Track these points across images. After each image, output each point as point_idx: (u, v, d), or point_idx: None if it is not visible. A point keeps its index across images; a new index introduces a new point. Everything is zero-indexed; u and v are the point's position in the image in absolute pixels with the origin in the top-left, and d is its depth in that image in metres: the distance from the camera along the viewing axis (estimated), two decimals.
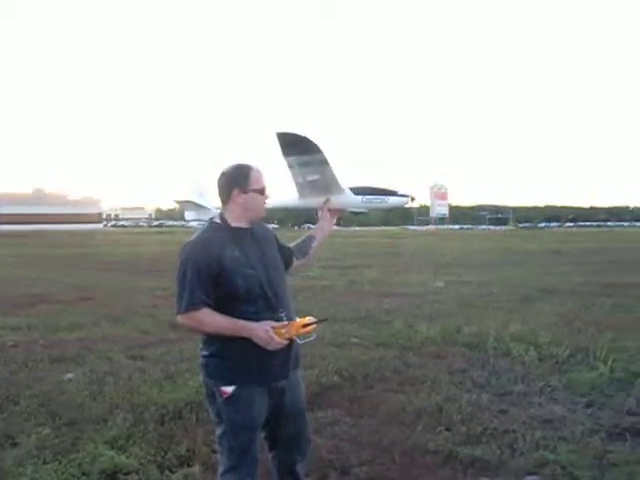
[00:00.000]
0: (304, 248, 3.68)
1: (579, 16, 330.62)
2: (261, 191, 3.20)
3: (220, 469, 3.19)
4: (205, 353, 3.15)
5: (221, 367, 3.09)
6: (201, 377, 3.23)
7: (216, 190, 3.24)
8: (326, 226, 3.88)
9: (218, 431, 3.16)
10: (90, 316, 10.66)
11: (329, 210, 3.91)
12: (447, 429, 4.98)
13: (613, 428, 4.95)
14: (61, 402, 5.69)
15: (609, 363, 6.58)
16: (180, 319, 3.08)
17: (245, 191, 3.16)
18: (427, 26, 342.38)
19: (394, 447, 4.66)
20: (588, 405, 5.56)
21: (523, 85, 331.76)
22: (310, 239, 3.74)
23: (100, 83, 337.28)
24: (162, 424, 5.09)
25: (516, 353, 7.31)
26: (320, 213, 3.91)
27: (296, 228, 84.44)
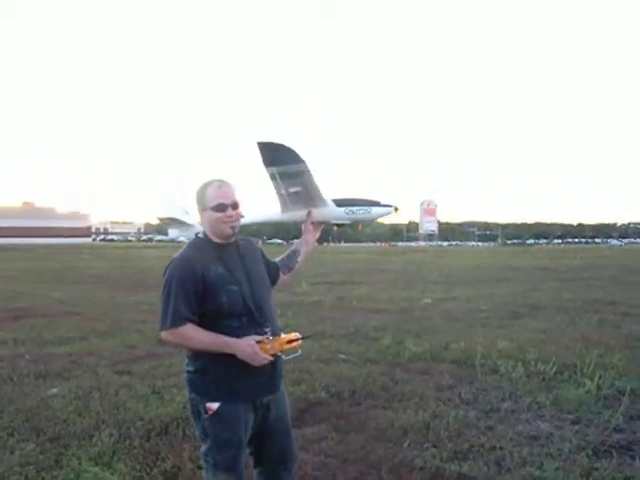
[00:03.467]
0: (290, 263, 3.66)
1: (569, 36, 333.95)
2: (218, 208, 3.11)
3: None
4: (190, 369, 3.12)
5: (206, 383, 3.07)
6: (187, 393, 3.20)
7: None
8: (310, 239, 3.87)
9: (203, 447, 3.13)
10: (77, 331, 10.61)
11: (312, 223, 3.91)
12: (434, 446, 4.97)
13: (600, 445, 4.95)
14: (46, 417, 5.63)
15: (596, 380, 6.60)
16: (164, 335, 3.05)
17: (204, 209, 3.15)
18: (415, 40, 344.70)
19: (381, 464, 4.63)
20: (575, 422, 5.57)
21: (513, 103, 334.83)
22: (295, 253, 3.73)
23: (89, 97, 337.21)
24: (148, 440, 5.06)
25: (504, 370, 7.31)
26: (303, 226, 3.90)
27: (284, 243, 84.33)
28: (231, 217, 3.13)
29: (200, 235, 3.22)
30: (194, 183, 3.26)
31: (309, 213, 4.04)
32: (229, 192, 3.17)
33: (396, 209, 6.34)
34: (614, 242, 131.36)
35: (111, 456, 4.68)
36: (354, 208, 6.27)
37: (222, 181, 3.19)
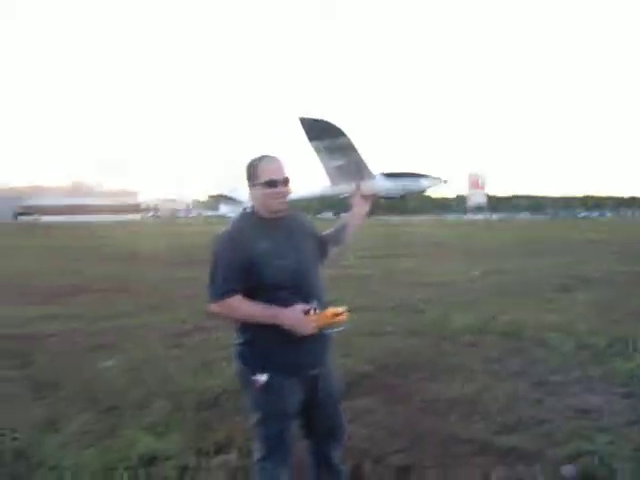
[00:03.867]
0: (338, 237, 3.60)
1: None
2: (270, 183, 3.11)
3: (256, 456, 3.21)
4: (239, 341, 3.16)
5: (254, 355, 3.11)
6: (236, 365, 3.24)
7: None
8: (359, 213, 3.76)
9: (253, 419, 3.18)
10: (129, 305, 10.85)
11: (361, 196, 3.87)
12: (482, 419, 4.95)
13: None
14: (101, 389, 5.81)
15: None
16: (213, 307, 3.09)
17: (254, 185, 3.16)
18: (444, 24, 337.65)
19: (429, 436, 4.64)
20: (626, 395, 5.49)
21: (557, 77, 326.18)
22: (344, 227, 3.66)
23: (136, 78, 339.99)
24: (199, 411, 5.16)
25: (552, 343, 7.24)
26: (352, 200, 3.86)
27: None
28: (281, 193, 3.14)
29: (248, 210, 3.24)
30: (242, 161, 3.27)
31: (357, 186, 4.01)
32: (280, 168, 3.17)
33: (445, 181, 6.28)
34: None
35: (164, 427, 4.80)
36: (403, 181, 6.22)
37: (272, 157, 3.19)
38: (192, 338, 8.00)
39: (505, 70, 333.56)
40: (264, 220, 3.16)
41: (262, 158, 3.19)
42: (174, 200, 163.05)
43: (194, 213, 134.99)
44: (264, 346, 3.08)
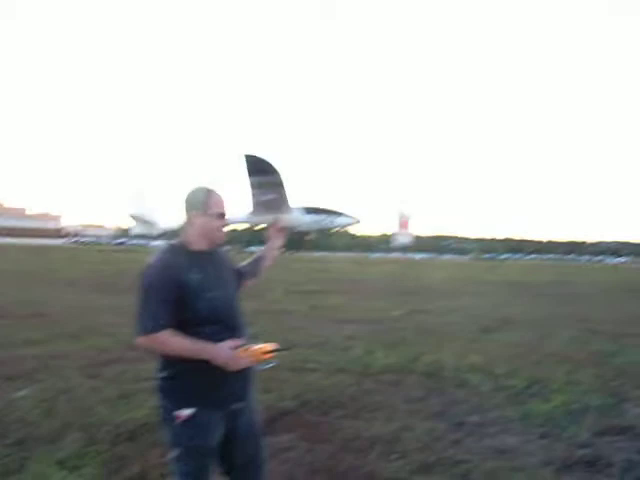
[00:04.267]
0: (255, 269, 3.67)
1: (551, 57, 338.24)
2: (219, 215, 3.18)
3: None
4: (163, 375, 3.10)
5: (179, 390, 3.05)
6: (157, 399, 3.16)
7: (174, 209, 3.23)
8: (275, 245, 3.87)
9: (172, 454, 3.10)
10: (46, 333, 10.48)
11: (278, 228, 3.93)
12: (402, 457, 4.99)
13: (566, 460, 5.01)
14: (12, 420, 5.57)
15: (564, 395, 6.69)
16: (142, 341, 3.01)
17: (203, 214, 3.15)
18: (398, 50, 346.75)
19: (349, 474, 4.65)
20: (542, 436, 5.63)
21: (486, 119, 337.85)
22: (260, 259, 3.73)
23: (60, 98, 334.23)
24: (115, 445, 5.02)
25: (473, 383, 7.37)
26: (269, 232, 3.91)
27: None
28: (225, 226, 3.20)
29: (174, 242, 3.22)
30: (156, 185, 3.25)
31: (276, 219, 4.07)
32: (224, 202, 3.23)
33: (358, 221, 6.45)
34: (584, 258, 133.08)
35: (78, 460, 4.64)
36: (319, 217, 6.36)
37: (217, 190, 3.22)
38: (112, 369, 7.78)
39: (437, 112, 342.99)
40: (193, 253, 3.14)
41: (211, 189, 3.20)
42: (99, 226, 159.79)
43: (120, 240, 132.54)
44: (190, 381, 3.03)
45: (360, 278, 32.34)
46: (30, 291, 18.22)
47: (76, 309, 14.25)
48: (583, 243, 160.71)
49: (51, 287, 20.18)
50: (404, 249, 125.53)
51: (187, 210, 3.19)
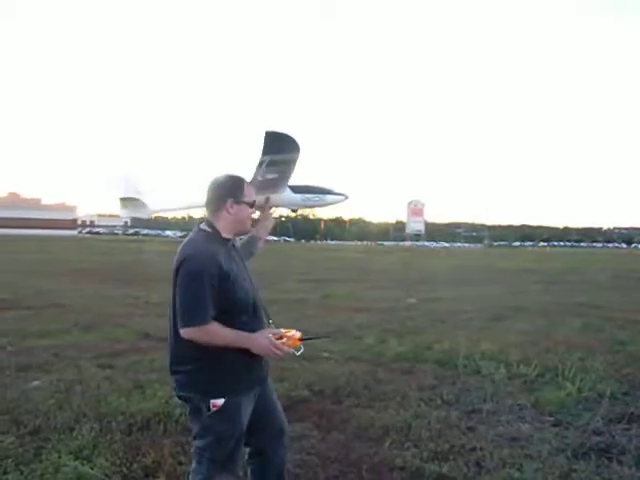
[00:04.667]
0: (251, 248, 3.69)
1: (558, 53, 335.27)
2: (251, 204, 3.22)
3: (196, 479, 3.13)
4: (188, 367, 3.05)
5: (209, 381, 3.03)
6: (181, 392, 3.13)
7: (206, 198, 3.21)
8: (268, 224, 3.90)
9: (200, 443, 3.09)
10: (60, 323, 10.55)
11: (267, 207, 3.96)
12: (415, 445, 4.98)
13: (579, 447, 4.98)
14: (26, 410, 5.59)
15: (577, 383, 6.65)
16: (190, 332, 2.95)
17: (238, 202, 3.16)
18: (405, 45, 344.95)
19: (362, 462, 4.64)
20: (555, 424, 5.61)
21: (501, 106, 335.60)
22: (253, 240, 3.73)
23: (75, 89, 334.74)
24: (129, 434, 5.03)
25: (486, 371, 7.35)
26: (261, 213, 3.91)
27: None
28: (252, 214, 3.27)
29: (205, 228, 3.18)
30: (148, 166, 3.22)
31: (267, 199, 4.08)
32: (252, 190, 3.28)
33: (347, 197, 6.45)
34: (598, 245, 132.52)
35: (91, 450, 4.65)
36: (309, 195, 6.35)
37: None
38: (125, 359, 7.82)
39: (451, 100, 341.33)
40: (224, 240, 3.15)
41: (242, 178, 3.24)
42: (112, 216, 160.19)
43: (134, 229, 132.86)
44: (218, 370, 3.02)
45: (373, 267, 32.32)
46: (44, 282, 18.32)
47: (90, 299, 14.34)
48: (599, 229, 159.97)
49: (65, 278, 20.29)
50: (417, 237, 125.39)
51: (220, 198, 3.16)
